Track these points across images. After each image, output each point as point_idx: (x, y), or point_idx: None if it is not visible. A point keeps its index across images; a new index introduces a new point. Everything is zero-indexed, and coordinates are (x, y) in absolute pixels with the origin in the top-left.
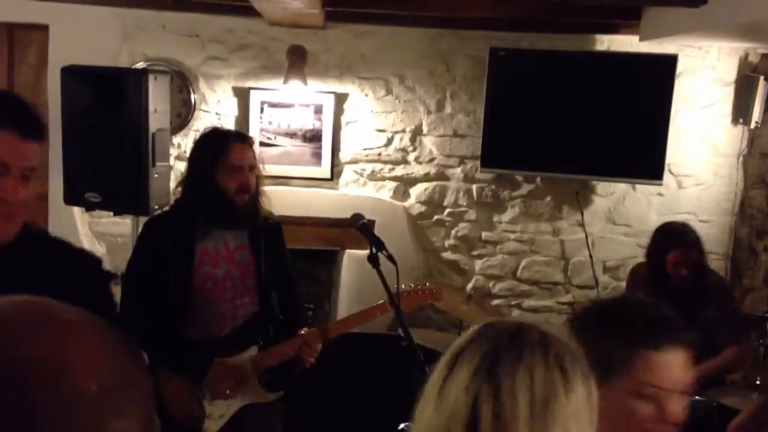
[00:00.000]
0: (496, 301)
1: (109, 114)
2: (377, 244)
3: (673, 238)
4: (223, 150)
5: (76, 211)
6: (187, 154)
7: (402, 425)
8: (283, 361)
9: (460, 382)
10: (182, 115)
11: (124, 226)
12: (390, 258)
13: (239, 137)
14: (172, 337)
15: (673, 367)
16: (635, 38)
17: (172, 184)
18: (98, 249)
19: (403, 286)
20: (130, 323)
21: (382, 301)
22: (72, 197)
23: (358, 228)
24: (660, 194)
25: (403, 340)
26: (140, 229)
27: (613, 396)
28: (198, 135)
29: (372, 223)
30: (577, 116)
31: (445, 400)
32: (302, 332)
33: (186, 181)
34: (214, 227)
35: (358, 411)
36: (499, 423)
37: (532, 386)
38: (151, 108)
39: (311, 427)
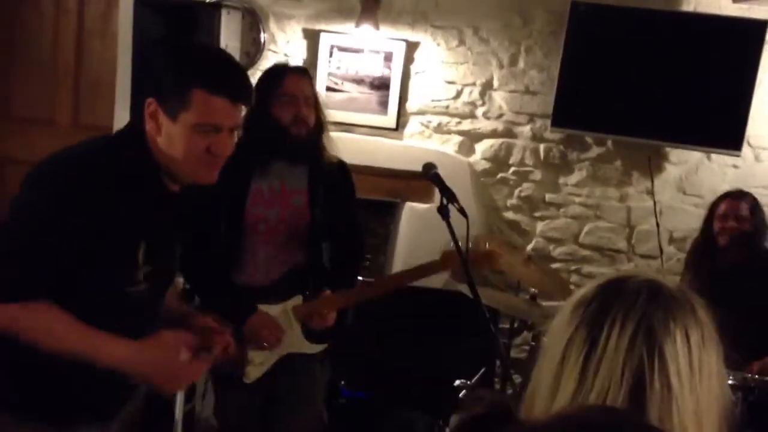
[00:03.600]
0: (554, 265)
1: (180, 39)
2: (449, 195)
3: (724, 195)
4: (279, 81)
5: None
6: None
7: (457, 381)
8: (326, 313)
9: (615, 353)
10: (251, 54)
11: None
12: (461, 211)
13: (296, 69)
14: (220, 281)
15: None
16: None
17: None
18: None
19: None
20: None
21: (437, 258)
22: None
23: (429, 178)
24: (735, 166)
25: (463, 296)
26: None
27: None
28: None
29: None
30: (657, 79)
31: (596, 375)
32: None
33: (245, 117)
34: (271, 165)
35: (413, 367)
36: (668, 390)
37: (689, 346)
38: (222, 43)
39: (368, 384)
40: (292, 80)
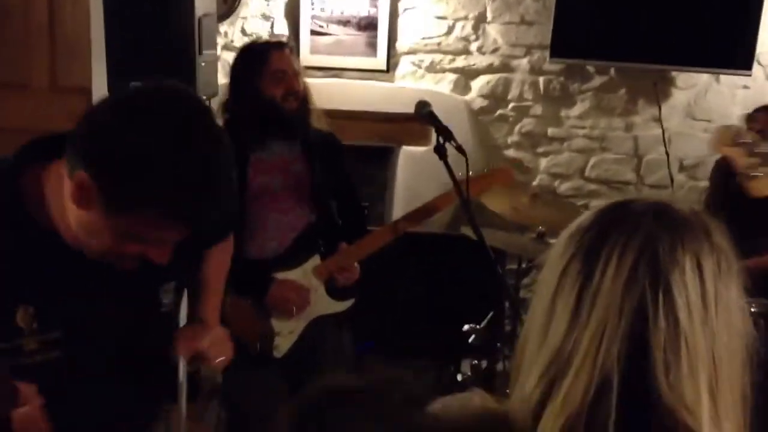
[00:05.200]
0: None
1: None
2: (444, 133)
3: (760, 109)
4: (265, 58)
5: None
6: (235, 44)
7: (466, 326)
8: (351, 266)
9: (613, 285)
10: (228, 1)
11: None
12: (459, 148)
13: (279, 44)
14: (234, 258)
15: None
16: None
17: (220, 76)
18: None
19: (470, 173)
20: None
21: (448, 190)
22: (116, 83)
23: (423, 116)
24: (746, 87)
25: (467, 239)
26: None
27: None
28: (235, 54)
29: None
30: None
31: (591, 311)
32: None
33: (231, 99)
34: (266, 141)
35: (420, 314)
36: (675, 327)
37: (701, 276)
38: None
39: (376, 334)
40: (277, 56)
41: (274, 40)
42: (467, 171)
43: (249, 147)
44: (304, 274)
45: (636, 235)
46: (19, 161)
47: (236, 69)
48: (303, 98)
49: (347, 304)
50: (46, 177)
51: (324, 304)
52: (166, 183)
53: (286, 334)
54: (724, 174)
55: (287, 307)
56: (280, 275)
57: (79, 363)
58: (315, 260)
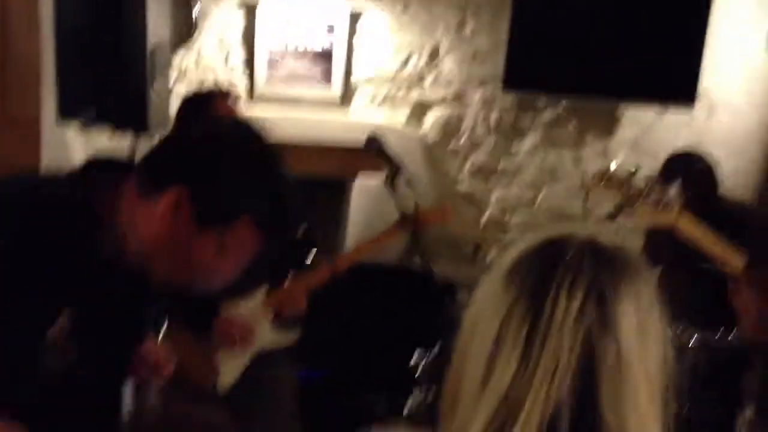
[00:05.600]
0: (511, 235)
1: (105, 22)
2: (394, 167)
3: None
4: (209, 105)
5: (70, 136)
6: (188, 76)
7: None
8: (298, 298)
9: (562, 325)
10: (183, 33)
11: (122, 151)
12: (408, 182)
13: (221, 93)
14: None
15: None
16: None
17: (172, 109)
18: None
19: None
20: None
21: (392, 224)
22: (66, 112)
23: (373, 150)
24: (688, 125)
25: (417, 268)
26: None
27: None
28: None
29: None
30: (608, 35)
31: (542, 352)
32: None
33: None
34: None
35: (369, 346)
36: (619, 358)
37: (638, 309)
38: (149, 23)
39: (324, 365)
40: (222, 104)
41: (218, 88)
42: (416, 204)
43: None
44: (251, 306)
45: (581, 277)
46: (87, 181)
47: (180, 114)
48: None
49: (292, 337)
50: (116, 196)
51: (270, 337)
52: (258, 194)
53: (230, 368)
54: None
55: (231, 344)
56: (229, 305)
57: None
58: (262, 290)
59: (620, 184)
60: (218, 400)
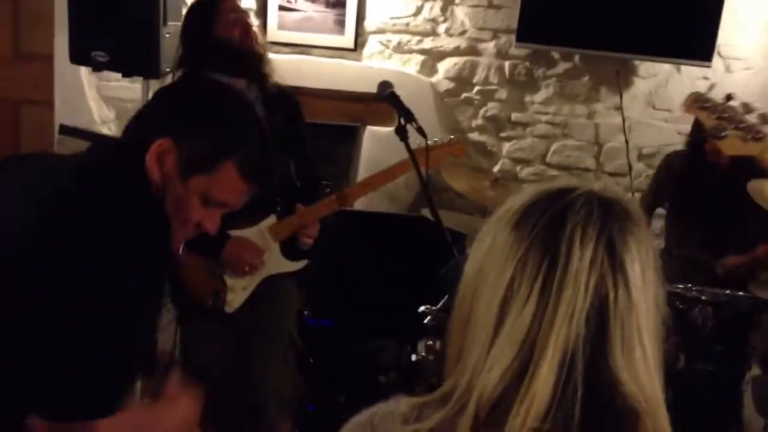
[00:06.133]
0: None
1: None
2: (406, 115)
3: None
4: (218, 5)
5: (84, 73)
6: None
7: (422, 307)
8: (303, 229)
9: (578, 271)
10: None
11: (134, 91)
12: (419, 130)
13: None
14: None
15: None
16: None
17: None
18: (107, 114)
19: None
20: None
21: (404, 159)
22: (77, 56)
23: (385, 98)
24: (706, 78)
25: (426, 221)
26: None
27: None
28: (186, 10)
29: None
30: None
31: (560, 297)
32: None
33: (185, 52)
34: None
35: (378, 294)
36: (629, 303)
37: (641, 257)
38: None
39: (334, 314)
40: (230, 2)
41: None
42: (426, 152)
43: None
44: (260, 232)
45: (591, 222)
46: (130, 160)
47: (189, 21)
48: (259, 43)
49: (300, 264)
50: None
51: (277, 264)
52: (242, 142)
53: (239, 290)
54: (696, 137)
55: (241, 266)
56: (235, 233)
57: None
58: (272, 218)
59: (714, 107)
60: (226, 319)
